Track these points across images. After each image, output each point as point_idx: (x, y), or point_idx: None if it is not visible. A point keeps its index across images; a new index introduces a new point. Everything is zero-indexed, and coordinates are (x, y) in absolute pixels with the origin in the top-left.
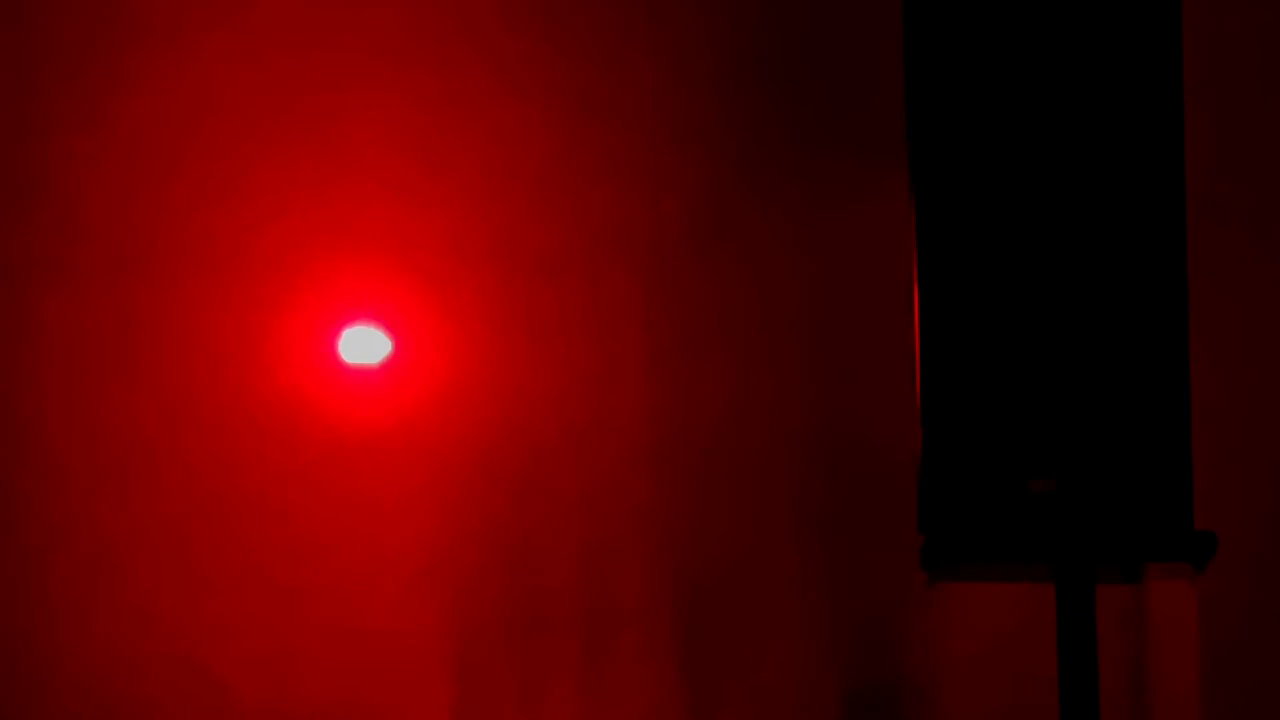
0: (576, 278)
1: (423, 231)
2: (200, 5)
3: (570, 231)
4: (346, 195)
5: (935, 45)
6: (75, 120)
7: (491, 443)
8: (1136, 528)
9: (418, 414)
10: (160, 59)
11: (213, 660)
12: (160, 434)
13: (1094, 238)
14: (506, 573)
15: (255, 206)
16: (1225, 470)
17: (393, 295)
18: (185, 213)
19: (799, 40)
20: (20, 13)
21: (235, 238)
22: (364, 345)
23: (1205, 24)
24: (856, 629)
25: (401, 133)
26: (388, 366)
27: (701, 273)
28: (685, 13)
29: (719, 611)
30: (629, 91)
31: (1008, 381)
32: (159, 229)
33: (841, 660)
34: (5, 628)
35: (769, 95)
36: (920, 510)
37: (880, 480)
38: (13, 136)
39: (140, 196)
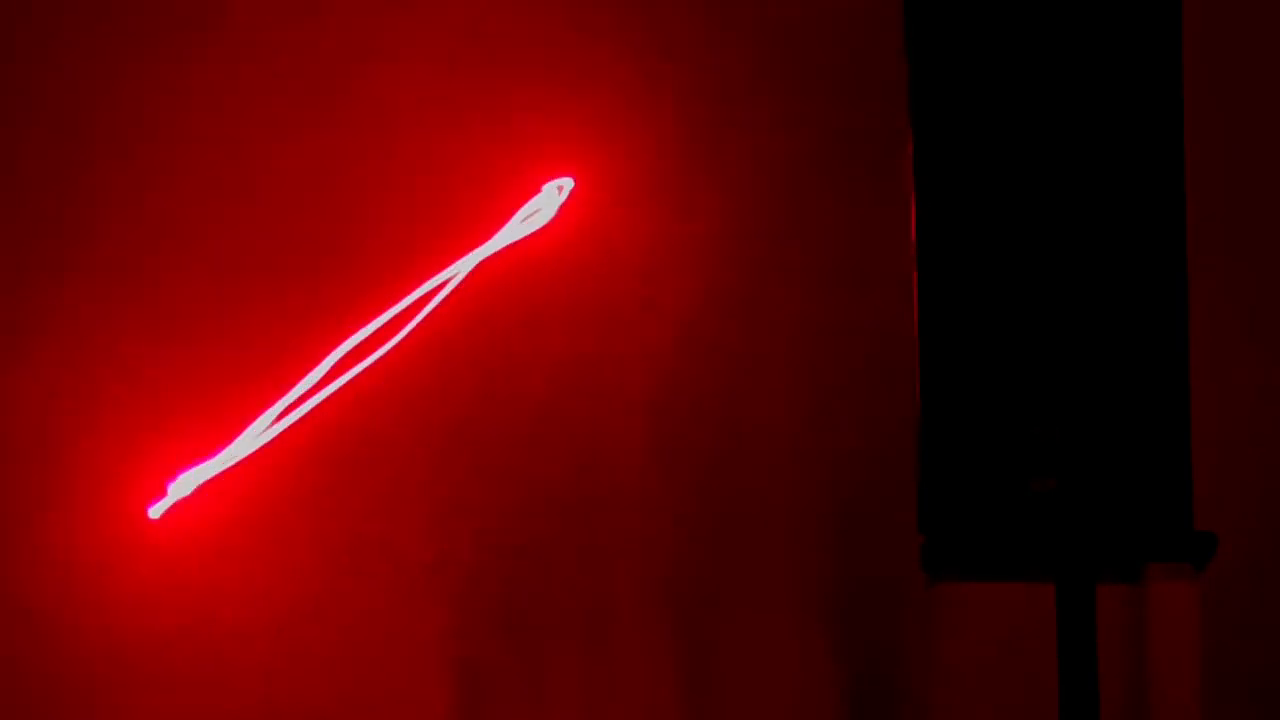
0: (575, 278)
1: (421, 231)
2: (197, 5)
3: (569, 231)
4: (344, 198)
5: (935, 44)
6: (73, 121)
7: (490, 444)
8: (1136, 528)
9: (416, 415)
10: (157, 60)
11: (211, 661)
12: (158, 434)
13: (1094, 238)
14: (506, 573)
15: (252, 208)
16: (1225, 470)
17: (390, 296)
18: (183, 215)
19: (799, 39)
20: (19, 12)
21: (232, 239)
22: (363, 348)
23: (1205, 24)
24: (856, 629)
25: (399, 135)
26: (385, 368)
27: (700, 273)
28: (684, 12)
29: (719, 611)
30: (626, 91)
31: (1007, 381)
32: (156, 230)
33: (841, 660)
34: (4, 628)
35: (768, 96)
36: (920, 511)
37: (880, 481)
38: (10, 137)
39: (138, 199)
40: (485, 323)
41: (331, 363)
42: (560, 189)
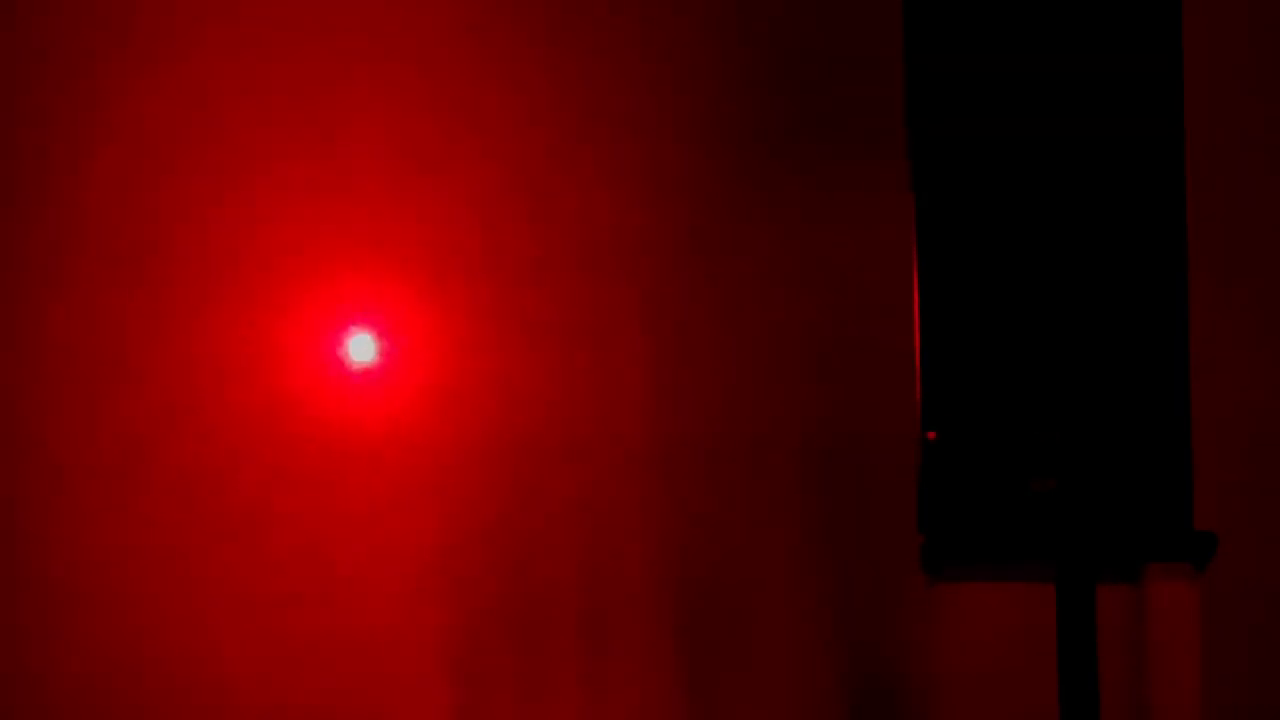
0: (576, 279)
1: (422, 233)
2: (197, 6)
3: (570, 233)
4: (345, 198)
5: (935, 46)
6: (73, 120)
7: (491, 445)
8: (1136, 528)
9: (417, 416)
10: (157, 59)
11: (212, 661)
12: (159, 436)
13: (1094, 238)
14: (506, 573)
15: (253, 208)
16: (1225, 470)
17: (391, 298)
18: (183, 215)
19: (799, 41)
20: (18, 12)
21: (232, 240)
22: (363, 349)
23: (1205, 24)
24: (856, 629)
25: (400, 134)
26: (386, 369)
27: (701, 274)
28: (685, 14)
29: (719, 611)
30: (627, 93)
31: (1008, 381)
32: (156, 230)
33: (841, 660)
34: (5, 628)
35: (769, 96)
36: (920, 510)
37: (880, 480)
38: (10, 137)
39: (138, 199)
40: (487, 327)
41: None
42: None
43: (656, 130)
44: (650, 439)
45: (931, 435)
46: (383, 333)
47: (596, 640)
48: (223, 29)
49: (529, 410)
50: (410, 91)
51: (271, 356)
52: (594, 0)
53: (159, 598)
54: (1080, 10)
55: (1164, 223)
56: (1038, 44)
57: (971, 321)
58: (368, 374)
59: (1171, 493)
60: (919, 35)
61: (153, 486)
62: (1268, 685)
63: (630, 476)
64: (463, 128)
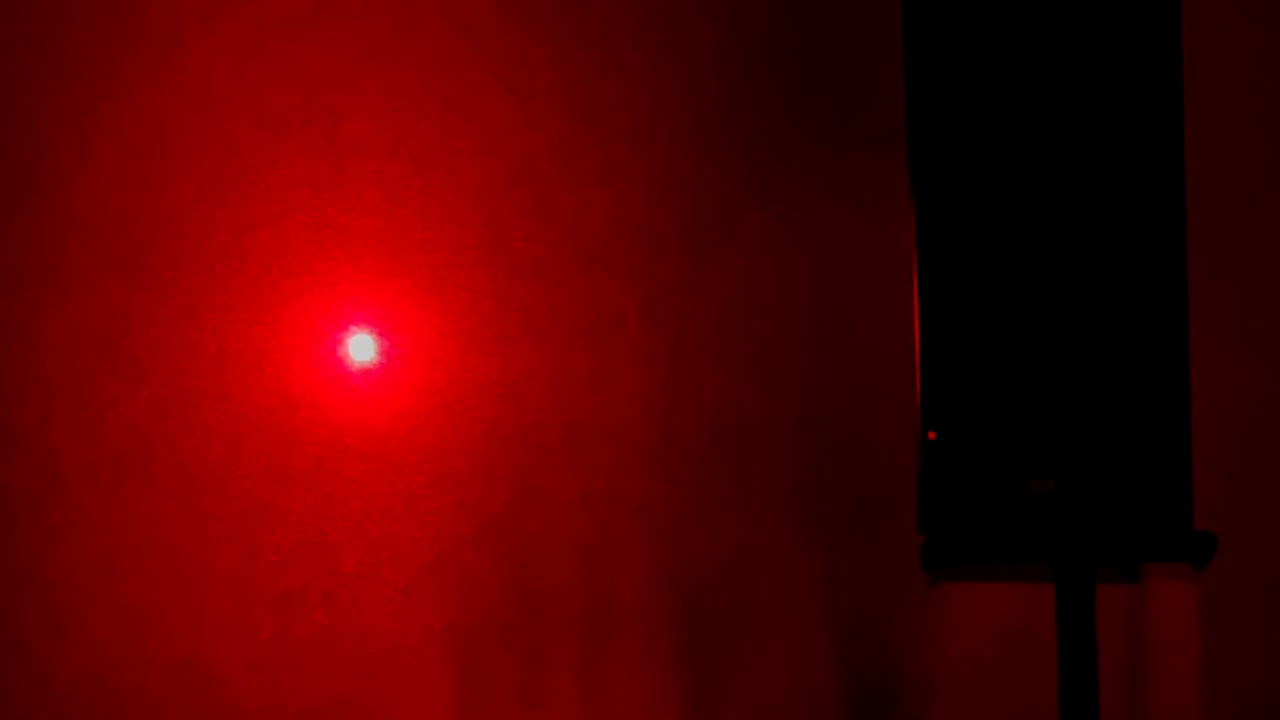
0: (575, 278)
1: (422, 233)
2: (198, 6)
3: (569, 232)
4: (344, 197)
5: (935, 46)
6: (73, 120)
7: (490, 444)
8: (1136, 528)
9: (416, 415)
10: (157, 59)
11: (212, 661)
12: (159, 434)
13: (1094, 237)
14: (506, 573)
15: (252, 208)
16: (1225, 470)
17: (391, 297)
18: (183, 214)
19: (798, 41)
20: (17, 12)
21: (233, 239)
22: (363, 349)
23: (1205, 24)
24: (856, 629)
25: (399, 134)
26: (386, 369)
27: (701, 273)
28: (684, 13)
29: (719, 611)
30: (627, 92)
31: (1008, 381)
32: (156, 230)
33: (841, 660)
34: (5, 628)
35: (768, 95)
36: (920, 510)
37: (880, 480)
38: (10, 136)
39: (137, 197)
40: (486, 326)
41: None
42: None
43: (656, 130)
44: (650, 437)
45: (931, 435)
46: (383, 333)
47: (596, 640)
48: (223, 29)
49: (529, 410)
50: (410, 91)
51: (271, 356)
52: (594, 0)
53: (159, 598)
54: (1080, 10)
55: (1164, 223)
56: (1038, 43)
57: (971, 322)
58: (368, 374)
59: (1171, 493)
60: (919, 35)
61: (153, 486)
62: (1268, 685)
63: (630, 475)
64: (463, 128)
